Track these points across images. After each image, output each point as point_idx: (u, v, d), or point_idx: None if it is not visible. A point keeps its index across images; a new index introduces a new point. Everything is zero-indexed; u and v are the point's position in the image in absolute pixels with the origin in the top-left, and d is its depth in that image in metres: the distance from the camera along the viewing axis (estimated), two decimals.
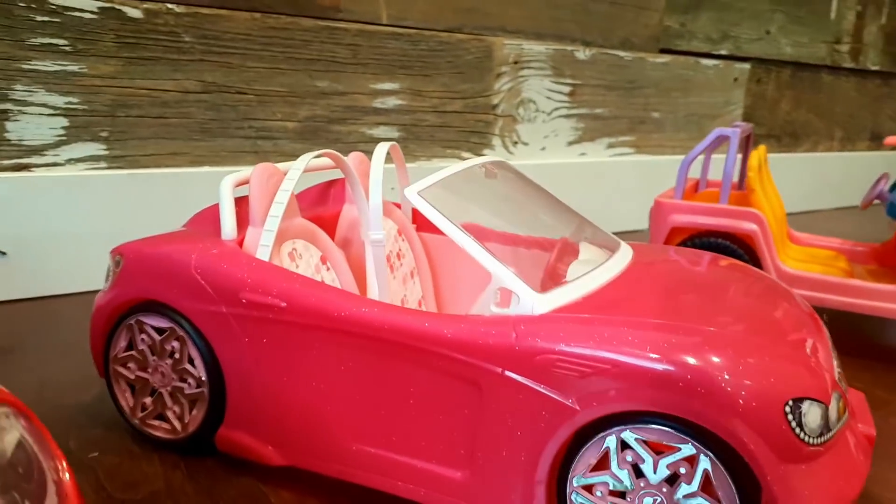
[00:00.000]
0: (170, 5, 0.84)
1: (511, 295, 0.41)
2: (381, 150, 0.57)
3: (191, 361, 0.48)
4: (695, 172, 1.16)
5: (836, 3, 1.61)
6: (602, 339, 0.38)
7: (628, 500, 0.38)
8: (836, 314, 0.82)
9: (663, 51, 1.34)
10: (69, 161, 0.82)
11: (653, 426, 0.37)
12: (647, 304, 0.42)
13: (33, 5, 0.77)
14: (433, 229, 0.66)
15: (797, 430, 0.36)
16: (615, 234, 1.33)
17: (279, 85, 0.93)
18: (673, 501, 0.37)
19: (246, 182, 0.51)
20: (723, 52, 1.44)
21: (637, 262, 0.50)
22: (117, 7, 0.81)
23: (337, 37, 0.96)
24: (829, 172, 1.73)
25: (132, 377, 0.51)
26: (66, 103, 0.80)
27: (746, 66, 1.49)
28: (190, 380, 0.49)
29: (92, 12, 0.80)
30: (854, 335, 0.84)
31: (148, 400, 0.51)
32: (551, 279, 0.44)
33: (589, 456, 0.39)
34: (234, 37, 0.89)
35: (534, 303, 0.40)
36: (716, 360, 0.37)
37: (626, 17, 1.27)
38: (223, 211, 0.49)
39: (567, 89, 1.22)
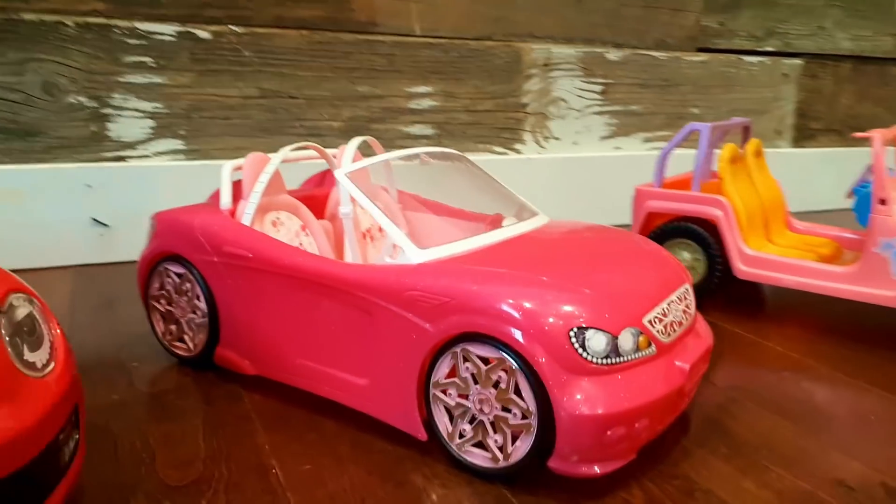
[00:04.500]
0: (232, 27, 1.04)
1: (399, 249, 0.56)
2: (353, 143, 0.73)
3: (198, 298, 0.66)
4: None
5: None
6: (448, 282, 0.52)
7: (469, 399, 0.52)
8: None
9: (701, 49, 1.41)
10: (156, 154, 1.04)
11: (480, 344, 0.50)
12: (503, 261, 0.55)
13: (126, 31, 0.99)
14: (415, 209, 0.81)
15: (580, 350, 0.48)
16: None
17: (325, 90, 1.11)
18: (495, 400, 0.51)
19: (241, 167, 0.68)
20: (769, 49, 1.48)
21: (535, 232, 0.63)
22: (191, 30, 1.02)
23: (375, 48, 1.13)
24: None
25: (163, 310, 0.70)
26: (153, 108, 1.02)
27: (798, 61, 1.52)
28: (198, 311, 0.67)
29: (171, 35, 1.01)
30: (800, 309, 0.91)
31: (174, 327, 0.69)
32: (440, 240, 0.58)
33: (444, 367, 0.53)
34: (286, 51, 1.08)
35: (413, 255, 0.55)
36: (525, 299, 0.49)
37: (660, 20, 1.35)
38: (222, 188, 0.67)
39: (599, 88, 1.33)
